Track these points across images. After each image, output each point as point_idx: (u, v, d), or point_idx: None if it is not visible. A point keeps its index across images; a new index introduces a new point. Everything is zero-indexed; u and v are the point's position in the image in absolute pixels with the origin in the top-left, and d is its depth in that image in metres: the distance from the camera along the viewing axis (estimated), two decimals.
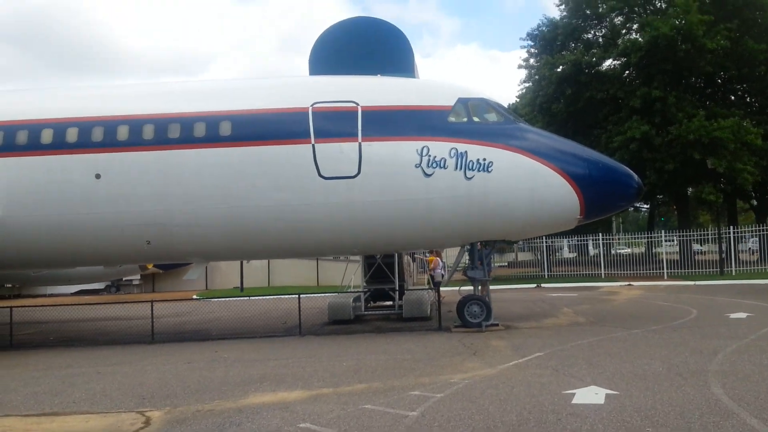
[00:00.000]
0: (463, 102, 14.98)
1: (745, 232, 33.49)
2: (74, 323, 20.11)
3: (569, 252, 51.60)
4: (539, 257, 37.73)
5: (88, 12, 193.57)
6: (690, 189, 33.46)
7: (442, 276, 23.46)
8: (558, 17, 38.19)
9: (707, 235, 34.48)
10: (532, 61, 38.70)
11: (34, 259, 15.61)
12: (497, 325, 15.46)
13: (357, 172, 14.15)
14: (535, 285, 31.79)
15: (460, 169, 14.25)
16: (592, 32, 38.09)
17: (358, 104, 14.54)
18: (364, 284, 19.38)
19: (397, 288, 18.90)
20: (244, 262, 34.98)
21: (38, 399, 9.44)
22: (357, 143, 14.22)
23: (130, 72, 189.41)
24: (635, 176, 15.52)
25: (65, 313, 20.84)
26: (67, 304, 18.65)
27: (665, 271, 32.32)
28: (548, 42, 37.52)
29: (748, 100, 37.82)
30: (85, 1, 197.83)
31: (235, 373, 10.89)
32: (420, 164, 14.19)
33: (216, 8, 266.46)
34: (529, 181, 14.46)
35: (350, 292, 19.49)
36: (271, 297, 28.04)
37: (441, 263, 24.24)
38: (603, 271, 34.10)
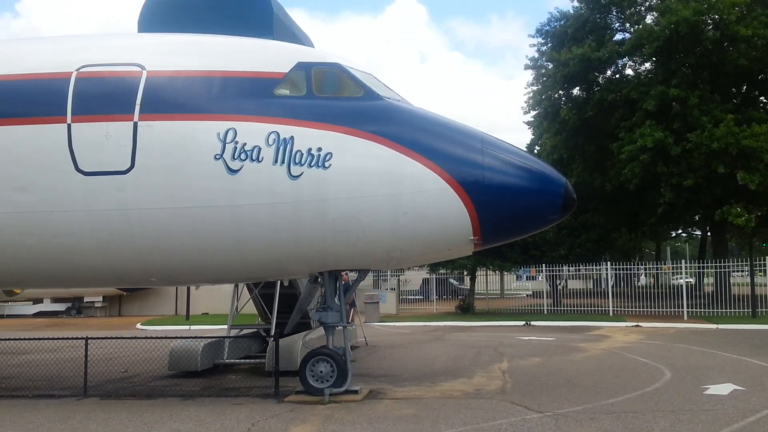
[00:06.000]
0: (305, 68, 10.32)
1: None
2: None
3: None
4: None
5: None
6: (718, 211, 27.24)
7: None
8: (571, 11, 32.88)
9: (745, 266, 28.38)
10: (541, 61, 33.30)
11: None
12: (356, 392, 10.62)
13: (130, 165, 9.65)
14: (523, 323, 26.52)
15: (282, 162, 9.58)
16: (606, 23, 32.45)
17: (143, 68, 10.06)
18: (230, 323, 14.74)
19: (273, 330, 14.11)
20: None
21: None
22: (131, 123, 9.72)
23: None
24: (563, 182, 10.42)
25: None
26: None
27: (685, 310, 26.50)
28: (558, 37, 32.20)
29: None
30: None
31: None
32: (222, 155, 9.59)
33: None
34: (390, 183, 9.69)
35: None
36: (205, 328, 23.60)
37: None
38: (611, 308, 28.43)
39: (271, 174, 9.58)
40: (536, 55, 32.92)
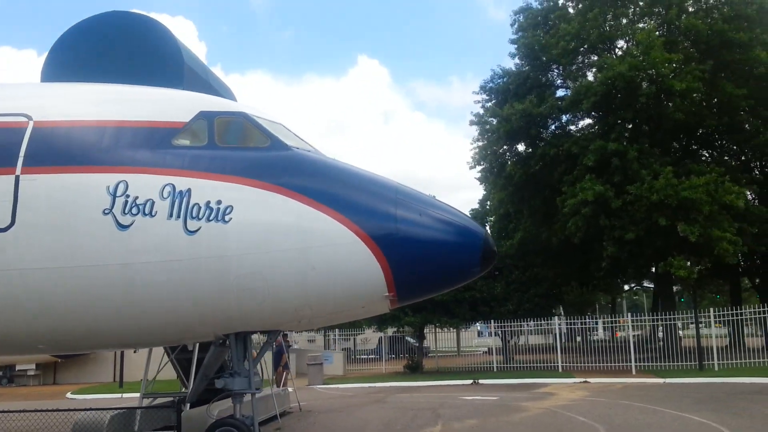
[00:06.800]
0: (207, 117, 9.78)
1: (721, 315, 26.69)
2: None
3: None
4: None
5: None
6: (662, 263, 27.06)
7: None
8: (513, 68, 33.24)
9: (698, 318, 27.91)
10: (485, 117, 33.29)
11: None
12: None
13: (10, 221, 8.86)
14: (471, 381, 25.73)
15: (178, 216, 8.89)
16: (548, 80, 32.87)
17: (30, 118, 9.40)
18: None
19: (188, 398, 13.18)
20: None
21: None
22: (13, 176, 8.99)
23: None
24: (482, 234, 9.90)
25: None
26: None
27: (633, 364, 26.04)
28: (502, 94, 32.41)
29: (728, 155, 32.31)
30: None
31: None
32: (111, 209, 8.87)
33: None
34: (296, 237, 9.04)
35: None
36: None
37: None
38: (560, 364, 27.89)
39: (166, 229, 8.88)
40: (480, 111, 32.94)
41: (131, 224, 8.85)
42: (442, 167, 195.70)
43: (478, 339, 53.95)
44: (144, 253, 8.88)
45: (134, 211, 8.88)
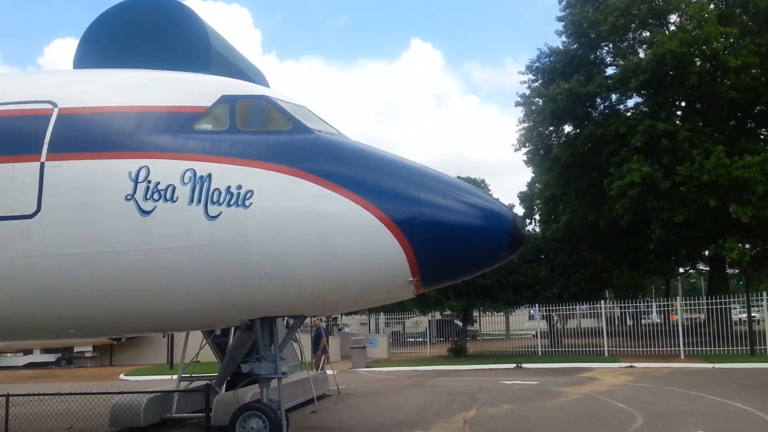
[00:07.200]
0: (230, 101, 9.74)
1: None
2: None
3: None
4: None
5: None
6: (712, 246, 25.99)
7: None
8: (561, 46, 32.33)
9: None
10: (531, 98, 32.47)
11: None
12: None
13: (36, 208, 8.99)
14: (514, 365, 25.39)
15: (199, 202, 8.89)
16: (597, 58, 31.85)
17: (55, 105, 9.50)
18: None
19: (217, 381, 13.34)
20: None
21: None
22: (38, 163, 9.10)
23: None
24: (511, 219, 9.64)
25: None
26: None
27: (682, 348, 25.27)
28: (548, 73, 31.58)
29: None
30: None
31: None
32: (133, 195, 8.92)
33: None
34: (317, 222, 8.94)
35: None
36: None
37: None
38: (606, 348, 27.30)
39: (187, 215, 8.88)
40: (527, 92, 32.14)
41: (153, 210, 8.88)
42: (496, 151, 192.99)
43: (529, 322, 53.37)
44: (166, 238, 8.90)
45: (156, 197, 8.90)
